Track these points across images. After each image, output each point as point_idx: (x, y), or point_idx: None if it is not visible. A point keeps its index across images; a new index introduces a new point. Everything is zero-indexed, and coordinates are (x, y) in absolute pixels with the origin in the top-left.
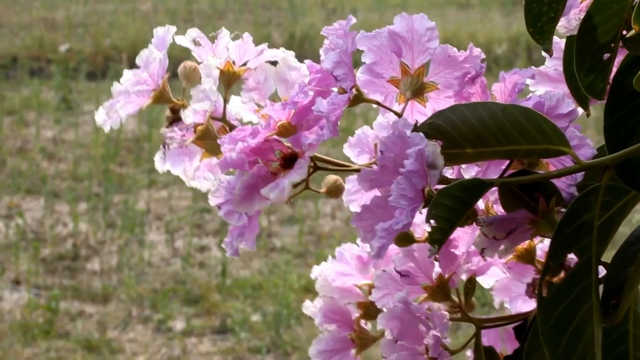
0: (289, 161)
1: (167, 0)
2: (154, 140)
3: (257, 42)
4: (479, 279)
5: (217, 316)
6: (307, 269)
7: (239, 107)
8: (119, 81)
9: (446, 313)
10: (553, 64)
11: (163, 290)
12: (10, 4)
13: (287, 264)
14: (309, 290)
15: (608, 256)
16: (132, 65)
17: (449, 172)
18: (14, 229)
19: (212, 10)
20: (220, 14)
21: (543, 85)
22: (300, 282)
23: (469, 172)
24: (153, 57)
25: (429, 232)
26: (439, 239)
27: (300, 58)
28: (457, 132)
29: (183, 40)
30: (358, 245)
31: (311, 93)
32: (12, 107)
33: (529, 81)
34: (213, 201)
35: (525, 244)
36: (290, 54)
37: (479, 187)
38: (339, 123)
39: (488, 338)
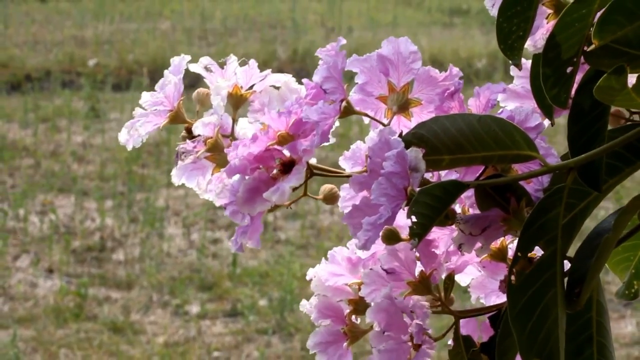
0: (287, 167)
1: (183, 20)
2: (172, 144)
3: (263, 57)
4: (457, 278)
5: (229, 301)
6: (309, 259)
7: (246, 128)
8: (141, 92)
9: (427, 304)
10: (520, 82)
11: (180, 278)
12: (45, 23)
13: (290, 255)
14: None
15: (573, 251)
16: (153, 77)
17: (429, 176)
18: (47, 223)
19: (224, 29)
20: (230, 32)
21: (512, 101)
22: (302, 271)
23: (449, 177)
24: (168, 81)
25: (409, 227)
26: (419, 232)
27: (302, 71)
28: (438, 141)
29: (196, 68)
30: (348, 248)
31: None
32: (46, 115)
33: (500, 97)
34: (218, 202)
35: (498, 244)
36: (291, 79)
37: (456, 187)
38: (333, 130)
39: (467, 329)
